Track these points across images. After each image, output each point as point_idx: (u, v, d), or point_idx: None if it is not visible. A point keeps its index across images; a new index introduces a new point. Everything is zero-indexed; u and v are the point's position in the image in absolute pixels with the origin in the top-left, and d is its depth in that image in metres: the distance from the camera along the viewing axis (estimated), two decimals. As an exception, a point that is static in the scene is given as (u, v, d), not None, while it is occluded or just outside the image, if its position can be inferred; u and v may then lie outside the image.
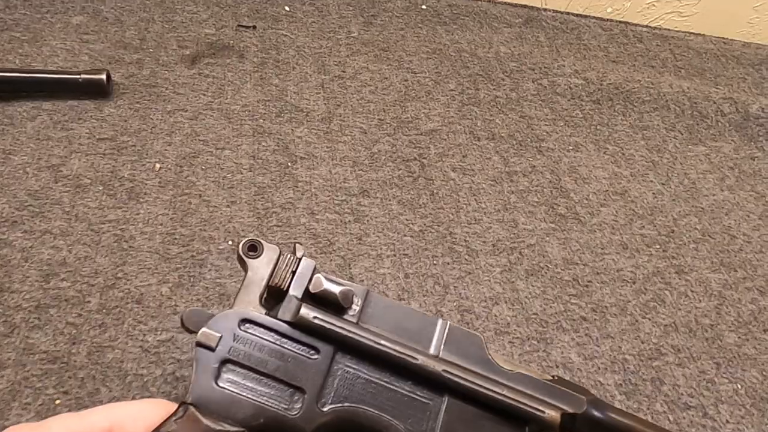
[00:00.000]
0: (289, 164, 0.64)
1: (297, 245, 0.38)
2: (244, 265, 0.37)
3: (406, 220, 0.61)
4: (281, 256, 0.37)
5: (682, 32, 1.01)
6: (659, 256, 0.62)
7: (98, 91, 0.67)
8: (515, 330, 0.53)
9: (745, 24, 1.02)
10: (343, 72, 0.77)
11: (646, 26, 1.01)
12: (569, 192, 0.67)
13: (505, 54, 0.85)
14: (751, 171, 0.74)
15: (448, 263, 0.58)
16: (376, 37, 0.84)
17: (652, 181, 0.70)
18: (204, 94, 0.70)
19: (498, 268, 0.58)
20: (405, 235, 0.59)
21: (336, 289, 0.36)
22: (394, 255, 0.57)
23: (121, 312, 0.49)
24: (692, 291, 0.59)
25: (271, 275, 0.36)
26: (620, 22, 1.00)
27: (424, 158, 0.68)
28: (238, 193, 0.60)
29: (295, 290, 0.36)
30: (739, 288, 0.60)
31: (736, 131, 0.79)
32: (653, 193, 0.69)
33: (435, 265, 0.57)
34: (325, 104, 0.72)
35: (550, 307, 0.56)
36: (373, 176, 0.65)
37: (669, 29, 1.01)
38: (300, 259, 0.37)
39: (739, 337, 0.56)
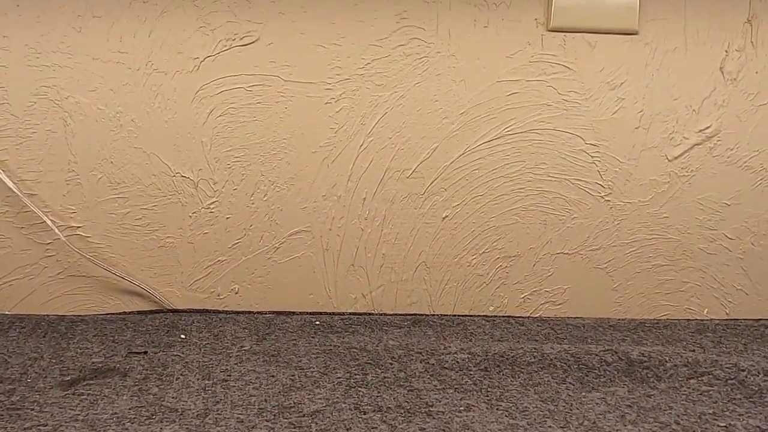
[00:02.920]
0: (149, 458, 0.58)
1: None
2: None
3: (276, 494, 0.53)
4: None
5: (561, 317, 1.10)
6: (570, 492, 0.54)
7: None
8: None
9: (612, 303, 1.14)
10: (229, 376, 0.77)
11: (528, 316, 1.10)
12: (463, 446, 0.62)
13: (394, 345, 0.89)
14: (650, 406, 0.72)
15: None
16: (269, 348, 0.88)
17: (551, 426, 0.66)
18: (72, 409, 0.67)
19: None
20: None
21: None
22: None
23: None
24: None
25: None
26: (503, 316, 1.09)
27: (304, 436, 0.63)
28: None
29: None
30: None
31: (625, 376, 0.80)
32: (553, 436, 0.64)
33: None
34: (203, 403, 0.70)
35: None
36: (243, 458, 0.58)
37: (548, 316, 1.10)
38: None
39: None
